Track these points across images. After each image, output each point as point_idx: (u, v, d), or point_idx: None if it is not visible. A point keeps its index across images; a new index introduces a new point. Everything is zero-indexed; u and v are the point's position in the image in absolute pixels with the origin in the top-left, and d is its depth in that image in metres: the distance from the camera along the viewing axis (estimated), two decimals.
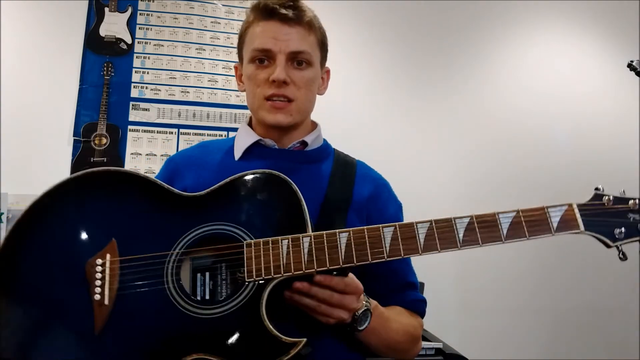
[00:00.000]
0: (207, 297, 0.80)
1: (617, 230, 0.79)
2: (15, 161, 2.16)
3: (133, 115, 2.32)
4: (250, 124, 1.09)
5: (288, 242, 0.79)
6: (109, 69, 2.33)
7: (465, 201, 2.47)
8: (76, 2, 2.35)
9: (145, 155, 2.30)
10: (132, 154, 2.29)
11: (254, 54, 0.98)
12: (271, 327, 0.75)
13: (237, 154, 1.03)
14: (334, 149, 1.12)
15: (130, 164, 2.28)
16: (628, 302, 2.55)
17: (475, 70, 2.66)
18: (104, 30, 2.36)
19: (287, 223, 0.82)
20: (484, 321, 2.47)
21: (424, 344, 1.83)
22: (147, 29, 2.41)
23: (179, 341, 0.75)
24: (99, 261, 0.80)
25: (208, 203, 0.86)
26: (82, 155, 2.24)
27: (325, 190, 0.98)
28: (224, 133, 2.38)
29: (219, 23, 2.46)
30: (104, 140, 2.27)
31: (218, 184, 0.87)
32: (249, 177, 0.87)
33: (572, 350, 2.50)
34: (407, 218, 1.06)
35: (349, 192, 0.99)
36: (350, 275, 0.81)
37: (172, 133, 2.34)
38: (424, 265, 1.03)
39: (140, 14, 2.41)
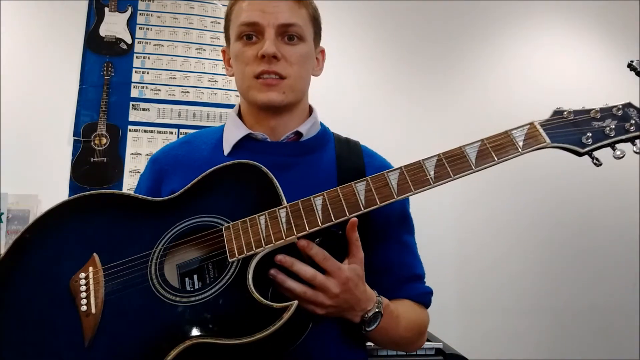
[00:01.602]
0: (197, 286, 0.80)
1: (583, 138, 0.78)
2: (15, 161, 2.17)
3: (133, 115, 2.32)
4: (240, 114, 1.02)
5: (265, 217, 0.79)
6: (109, 69, 2.33)
7: (466, 194, 2.47)
8: (76, 2, 2.35)
9: (145, 155, 2.30)
10: (132, 154, 2.29)
11: (240, 29, 0.92)
12: (259, 296, 0.73)
13: (227, 148, 0.96)
14: (333, 133, 1.05)
15: (131, 164, 2.28)
16: (628, 302, 2.55)
17: (476, 68, 2.66)
18: (104, 30, 2.36)
19: (264, 203, 0.81)
20: (484, 321, 2.47)
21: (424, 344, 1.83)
22: (147, 29, 2.41)
23: (171, 333, 0.74)
24: (82, 275, 0.80)
25: (183, 201, 0.85)
26: (82, 155, 2.25)
27: (336, 176, 0.93)
28: None
29: (219, 23, 2.46)
30: (104, 140, 2.27)
31: (190, 183, 0.87)
32: (218, 171, 0.86)
33: (572, 350, 2.50)
34: (411, 212, 1.05)
35: (363, 171, 0.95)
36: (340, 263, 0.79)
37: (172, 133, 2.34)
38: (423, 265, 1.03)
39: (140, 14, 2.41)
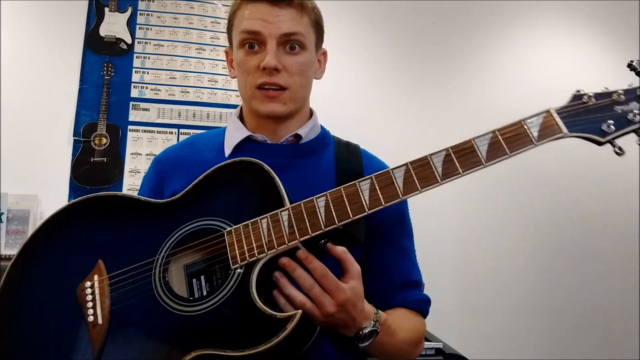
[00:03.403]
0: (204, 293, 0.78)
1: (604, 125, 0.72)
2: (15, 161, 2.17)
3: (133, 115, 2.32)
4: (241, 116, 1.03)
5: (267, 220, 0.77)
6: (109, 69, 2.33)
7: (466, 194, 2.47)
8: (76, 2, 2.35)
9: (145, 155, 2.30)
10: (132, 154, 2.29)
11: (242, 36, 0.92)
12: (262, 305, 0.72)
13: (227, 150, 0.97)
14: (333, 136, 1.05)
15: (131, 164, 2.28)
16: (628, 302, 2.55)
17: (477, 64, 2.66)
18: (104, 30, 2.36)
19: (266, 204, 0.79)
20: (483, 321, 2.47)
21: (424, 344, 1.84)
22: (147, 29, 2.41)
23: (176, 343, 0.74)
24: (88, 284, 0.81)
25: (185, 204, 0.85)
26: (82, 155, 2.25)
27: (335, 180, 0.93)
28: None
29: (219, 23, 2.46)
30: (104, 140, 2.27)
31: (192, 183, 0.86)
32: (220, 170, 0.85)
33: (573, 350, 2.50)
34: (410, 213, 1.05)
35: (361, 174, 0.94)
36: (339, 281, 0.76)
37: (172, 133, 2.34)
38: (423, 265, 1.02)
39: (140, 14, 2.41)
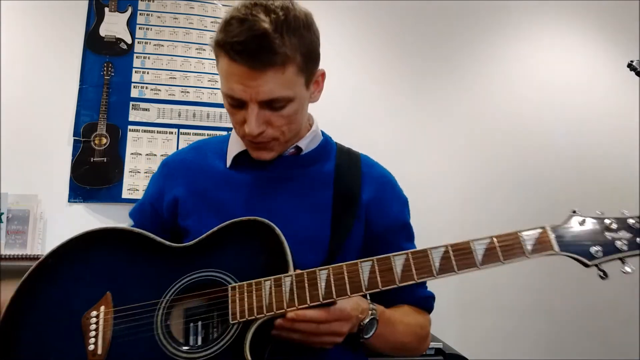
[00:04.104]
0: (199, 341, 0.82)
1: (593, 249, 0.79)
2: (15, 161, 2.16)
3: (133, 115, 2.32)
4: None
5: (271, 283, 0.80)
6: (109, 69, 2.33)
7: (466, 193, 2.47)
8: (76, 2, 2.35)
9: (145, 155, 2.30)
10: (132, 154, 2.29)
11: (224, 94, 0.90)
12: None
13: (228, 161, 1.00)
14: (335, 143, 1.06)
15: (131, 164, 2.28)
16: (628, 302, 2.55)
17: (475, 68, 2.66)
18: (104, 30, 2.36)
19: (271, 265, 0.83)
20: (484, 321, 2.47)
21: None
22: (147, 29, 2.41)
23: None
24: (94, 313, 0.84)
25: (196, 252, 0.88)
26: (82, 155, 2.25)
27: (332, 187, 0.95)
28: (224, 133, 2.38)
29: (219, 23, 2.46)
30: (104, 140, 2.27)
31: (205, 234, 0.88)
32: (234, 225, 0.88)
33: (572, 350, 2.50)
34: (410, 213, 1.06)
35: (357, 192, 0.96)
36: (338, 302, 0.80)
37: (172, 133, 2.34)
38: None
39: (140, 14, 2.41)
